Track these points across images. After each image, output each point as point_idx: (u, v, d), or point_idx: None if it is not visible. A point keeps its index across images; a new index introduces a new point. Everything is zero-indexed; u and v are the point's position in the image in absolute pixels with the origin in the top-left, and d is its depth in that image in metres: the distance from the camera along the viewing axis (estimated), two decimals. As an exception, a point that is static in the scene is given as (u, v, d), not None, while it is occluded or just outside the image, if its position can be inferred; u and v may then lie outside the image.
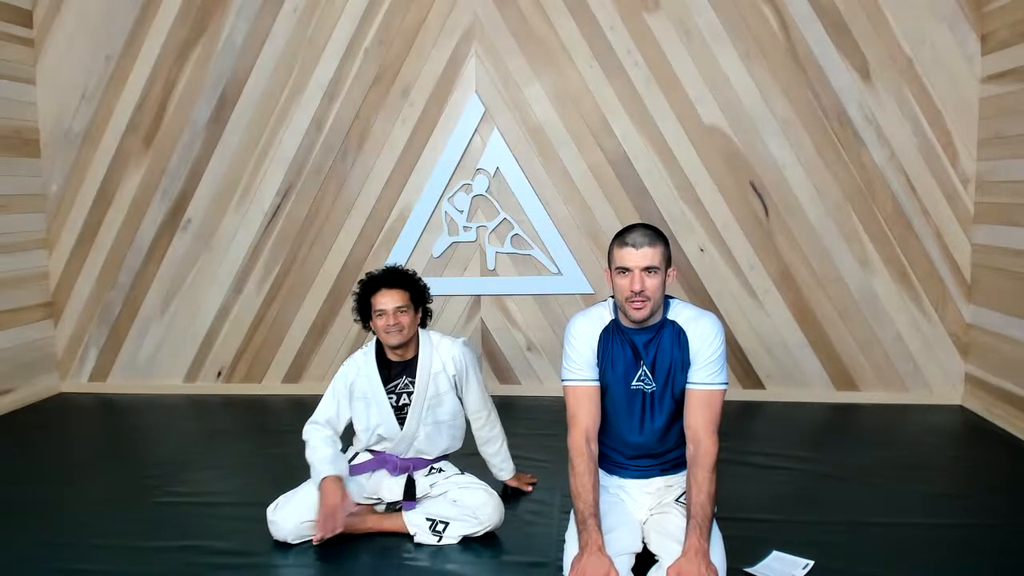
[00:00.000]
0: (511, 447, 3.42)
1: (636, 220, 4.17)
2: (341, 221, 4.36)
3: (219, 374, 4.54)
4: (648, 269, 2.09)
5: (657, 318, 2.22)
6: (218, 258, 4.45)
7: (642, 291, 2.09)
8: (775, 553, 2.40)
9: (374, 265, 4.34)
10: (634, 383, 2.23)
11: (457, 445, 2.79)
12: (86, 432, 3.93)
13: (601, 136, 4.17)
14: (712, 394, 2.16)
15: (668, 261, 2.16)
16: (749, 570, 2.30)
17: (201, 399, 4.42)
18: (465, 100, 4.22)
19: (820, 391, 4.19)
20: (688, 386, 2.19)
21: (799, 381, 4.21)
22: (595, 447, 2.19)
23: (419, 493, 2.64)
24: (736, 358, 4.21)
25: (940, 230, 4.02)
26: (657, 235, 2.15)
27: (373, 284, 2.64)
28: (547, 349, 4.33)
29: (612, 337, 2.25)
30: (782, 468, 3.21)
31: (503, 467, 2.91)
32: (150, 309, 4.52)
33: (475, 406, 2.78)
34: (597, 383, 2.23)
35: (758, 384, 4.24)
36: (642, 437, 2.27)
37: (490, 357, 4.39)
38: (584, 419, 2.20)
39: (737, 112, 4.07)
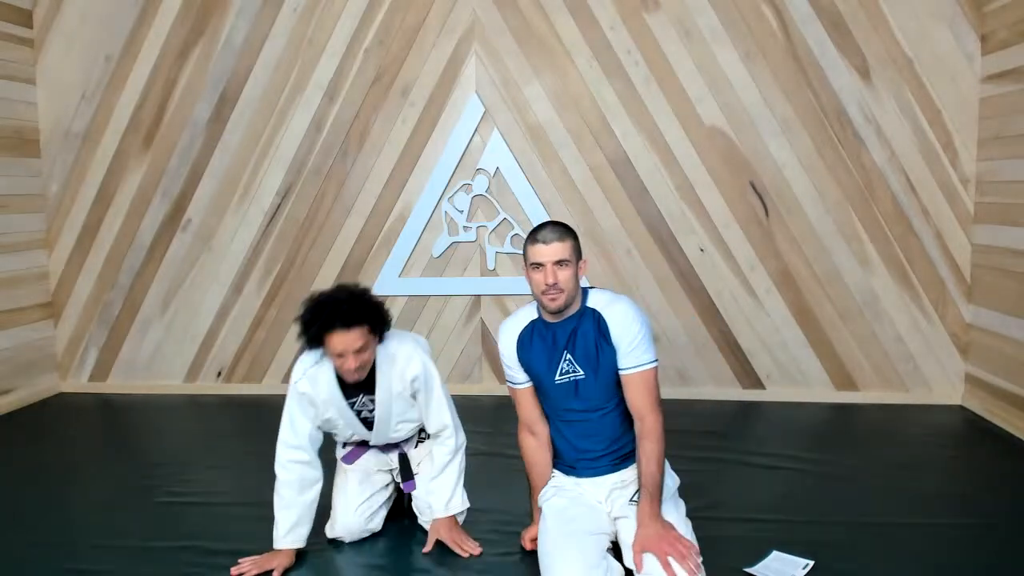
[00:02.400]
0: (511, 447, 3.41)
1: (636, 220, 4.19)
2: (341, 221, 4.36)
3: (219, 374, 4.54)
4: (559, 262, 2.22)
5: (576, 308, 2.31)
6: (218, 258, 4.45)
7: (555, 283, 2.21)
8: (775, 553, 2.40)
9: (374, 265, 4.35)
10: (559, 376, 2.30)
11: None
12: (86, 432, 3.92)
13: (601, 136, 4.17)
14: (645, 374, 2.25)
15: (579, 254, 2.29)
16: (749, 570, 2.30)
17: (201, 399, 4.42)
18: (465, 100, 4.22)
19: (820, 391, 4.19)
20: (621, 372, 2.27)
21: (799, 381, 4.21)
22: (540, 430, 2.41)
23: (415, 467, 2.63)
24: (736, 358, 4.21)
25: (940, 230, 4.02)
26: (566, 230, 2.28)
27: (328, 321, 2.27)
28: (547, 349, 4.32)
29: (533, 334, 2.35)
30: (782, 468, 3.20)
31: (439, 504, 2.48)
32: (150, 309, 4.52)
33: (439, 420, 2.51)
34: (527, 384, 2.40)
35: (758, 384, 4.24)
36: (583, 428, 2.32)
37: (490, 357, 4.39)
38: (523, 416, 2.44)
39: (737, 112, 4.06)
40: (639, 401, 2.24)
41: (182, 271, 4.48)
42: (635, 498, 2.22)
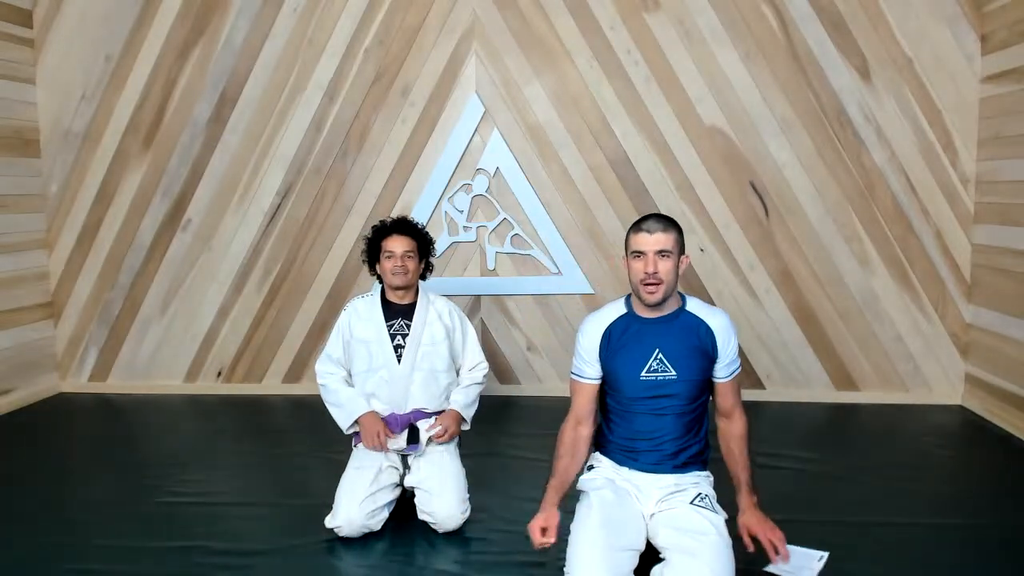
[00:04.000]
0: (511, 447, 3.43)
1: (636, 220, 4.18)
2: (341, 221, 4.36)
3: (219, 374, 4.54)
4: (661, 253, 2.20)
5: (673, 306, 2.30)
6: (218, 258, 4.45)
7: (655, 272, 2.19)
8: (789, 547, 2.40)
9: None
10: (645, 373, 2.27)
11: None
12: (86, 432, 3.92)
13: (601, 136, 4.17)
14: (735, 381, 2.39)
15: (682, 248, 2.27)
16: (768, 569, 2.29)
17: (201, 399, 4.42)
18: (465, 100, 4.23)
19: (820, 391, 4.19)
20: (717, 380, 2.36)
21: (799, 381, 4.21)
22: (585, 431, 2.36)
23: (422, 438, 2.75)
24: (736, 358, 4.22)
25: (940, 230, 4.03)
26: (671, 223, 2.26)
27: (385, 229, 2.85)
28: (547, 349, 4.33)
29: (623, 328, 2.32)
30: (782, 468, 3.21)
31: (458, 403, 2.85)
32: (150, 309, 4.52)
33: (473, 358, 2.96)
34: (595, 382, 2.36)
35: (758, 384, 4.24)
36: (658, 424, 2.30)
37: (490, 357, 4.35)
38: (577, 409, 2.38)
39: (737, 112, 4.07)
40: (729, 402, 2.38)
41: (182, 271, 4.48)
42: (695, 501, 2.24)
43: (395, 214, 4.31)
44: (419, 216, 4.28)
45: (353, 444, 2.84)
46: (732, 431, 2.38)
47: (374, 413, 2.75)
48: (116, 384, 4.58)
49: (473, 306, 4.36)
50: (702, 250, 4.18)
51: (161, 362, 4.56)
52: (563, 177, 4.22)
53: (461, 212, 4.28)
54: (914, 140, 3.98)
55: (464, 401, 2.86)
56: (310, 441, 3.58)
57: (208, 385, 4.54)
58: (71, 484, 3.15)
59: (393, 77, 4.25)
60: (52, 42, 4.40)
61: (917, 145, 3.99)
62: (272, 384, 4.51)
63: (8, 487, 3.12)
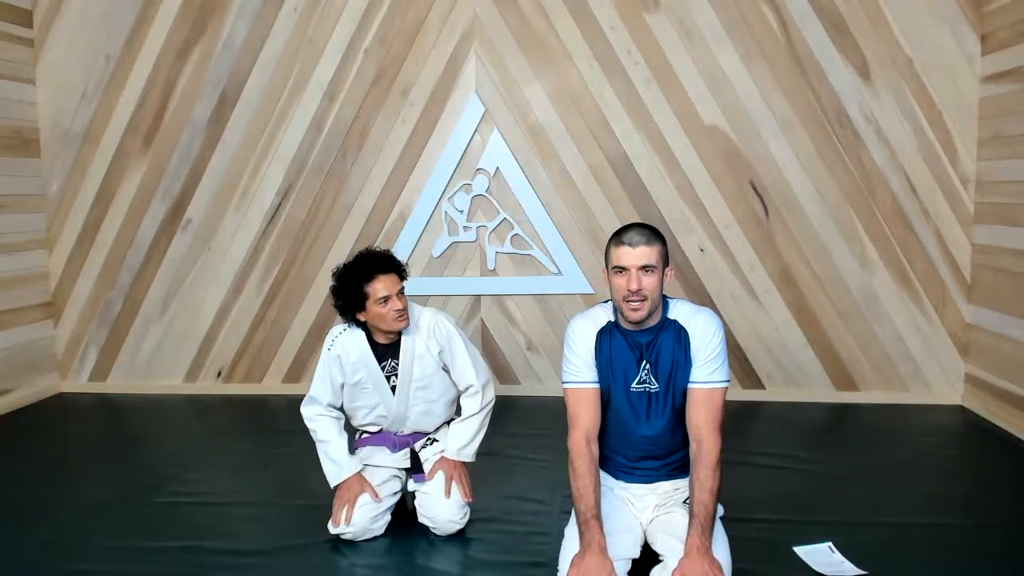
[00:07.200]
0: (511, 447, 3.42)
1: (636, 220, 4.17)
2: (341, 221, 4.36)
3: (219, 374, 4.54)
4: (645, 268, 2.06)
5: (656, 318, 2.18)
6: (218, 258, 4.45)
7: (639, 290, 2.06)
8: (799, 548, 2.43)
9: (374, 265, 4.35)
10: (635, 385, 2.19)
11: (453, 413, 2.80)
12: (86, 432, 3.92)
13: (601, 136, 4.17)
14: (713, 392, 2.13)
15: (666, 260, 2.13)
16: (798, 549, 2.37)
17: (201, 399, 4.42)
18: (465, 100, 4.22)
19: (820, 391, 4.19)
20: (689, 385, 2.15)
21: (799, 381, 4.21)
22: (595, 448, 2.16)
23: (424, 465, 2.68)
24: (736, 358, 4.21)
25: (940, 230, 4.03)
26: (654, 234, 2.12)
27: (365, 270, 2.46)
28: (547, 349, 4.33)
29: (610, 338, 2.20)
30: (782, 468, 3.21)
31: (454, 446, 2.63)
32: (150, 309, 4.52)
33: (465, 379, 2.64)
34: (597, 385, 2.20)
35: (758, 384, 4.24)
36: (647, 440, 2.24)
37: (490, 357, 4.38)
38: (584, 421, 2.17)
39: (737, 112, 4.07)
40: (700, 420, 2.10)
41: (182, 271, 4.48)
42: (687, 500, 2.17)
43: (395, 214, 4.35)
44: (419, 216, 4.29)
45: (355, 450, 2.78)
46: (698, 461, 2.07)
47: (358, 476, 2.57)
48: (116, 384, 4.58)
49: (473, 306, 4.36)
50: (702, 250, 4.18)
51: (161, 362, 4.56)
52: (563, 177, 4.22)
53: (461, 212, 4.28)
54: (914, 140, 3.99)
55: (461, 441, 2.64)
56: (310, 441, 3.55)
57: (208, 385, 4.54)
58: (71, 484, 3.14)
59: (393, 77, 4.25)
60: (52, 42, 4.40)
61: (917, 145, 3.99)
62: (272, 384, 4.51)
63: (8, 487, 3.12)
